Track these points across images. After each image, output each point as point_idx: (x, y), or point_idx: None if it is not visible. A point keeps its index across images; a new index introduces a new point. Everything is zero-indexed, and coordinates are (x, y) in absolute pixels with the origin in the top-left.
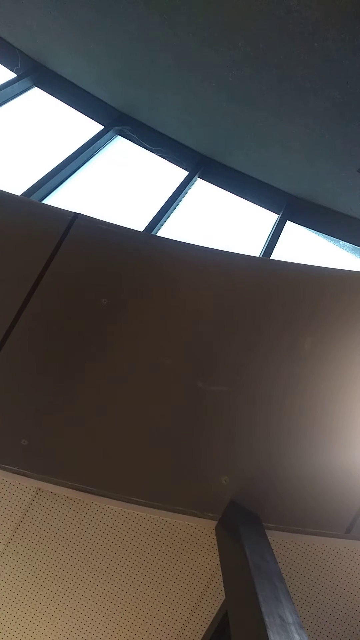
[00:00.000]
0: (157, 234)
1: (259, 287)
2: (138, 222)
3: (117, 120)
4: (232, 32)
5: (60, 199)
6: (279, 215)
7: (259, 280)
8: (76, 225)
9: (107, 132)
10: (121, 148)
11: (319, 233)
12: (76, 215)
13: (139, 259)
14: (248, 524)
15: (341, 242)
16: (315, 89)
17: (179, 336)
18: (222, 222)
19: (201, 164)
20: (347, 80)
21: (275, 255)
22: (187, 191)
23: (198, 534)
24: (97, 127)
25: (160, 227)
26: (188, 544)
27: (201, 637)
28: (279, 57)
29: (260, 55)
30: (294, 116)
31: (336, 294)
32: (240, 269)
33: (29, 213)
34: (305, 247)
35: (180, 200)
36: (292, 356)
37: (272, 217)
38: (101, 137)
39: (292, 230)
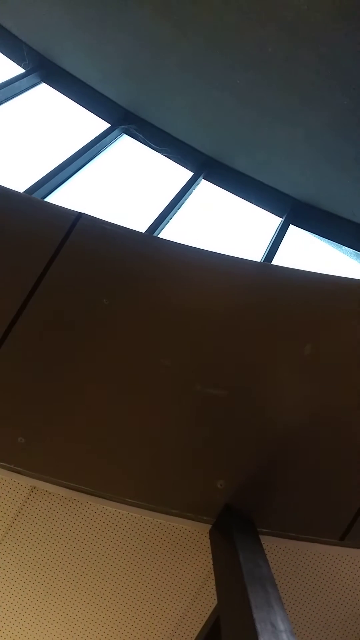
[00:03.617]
0: (161, 234)
1: (259, 292)
2: (142, 221)
3: (124, 119)
4: (240, 35)
5: (65, 195)
6: (283, 219)
7: (260, 285)
8: (80, 224)
9: (113, 130)
10: (127, 146)
11: (321, 238)
12: (80, 215)
13: (142, 261)
14: (242, 528)
15: (344, 247)
16: (321, 94)
17: (178, 339)
18: (226, 223)
19: (206, 165)
20: (354, 86)
21: (278, 259)
22: (192, 192)
23: (192, 537)
24: (103, 125)
25: (164, 226)
26: (182, 547)
27: None
28: (286, 61)
29: (268, 59)
30: (300, 120)
31: (336, 301)
32: (242, 273)
33: (33, 211)
34: (307, 251)
35: (185, 200)
36: (291, 362)
37: (275, 221)
38: (107, 135)
39: (295, 234)
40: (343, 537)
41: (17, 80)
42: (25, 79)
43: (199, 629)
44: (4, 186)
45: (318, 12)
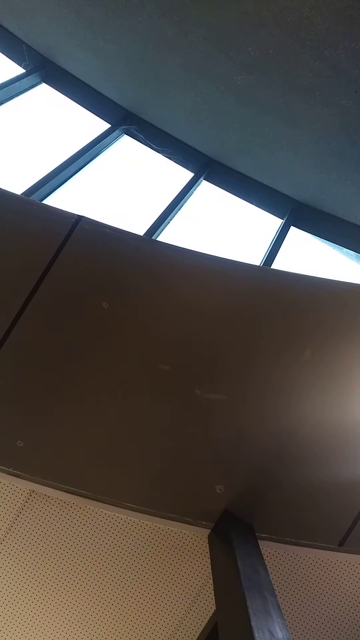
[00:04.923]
0: (161, 235)
1: (258, 296)
2: (143, 222)
3: (124, 119)
4: (243, 36)
5: (65, 196)
6: (283, 221)
7: (259, 290)
8: (79, 227)
9: (114, 130)
10: (127, 147)
11: (323, 240)
12: (80, 218)
13: (141, 265)
14: (241, 533)
15: (345, 249)
16: (324, 97)
17: (178, 342)
18: (227, 224)
19: (207, 166)
20: (356, 89)
21: (279, 260)
22: (192, 193)
23: (191, 542)
24: (103, 125)
25: (165, 227)
26: (180, 551)
27: None
28: (288, 64)
29: (270, 61)
30: (302, 122)
31: (337, 305)
32: (241, 277)
33: (31, 214)
34: (308, 253)
35: (185, 201)
36: (291, 367)
37: (276, 222)
38: (107, 135)
39: (296, 235)
40: (342, 543)
41: (17, 81)
42: (25, 79)
43: (197, 635)
44: (4, 189)
45: (320, 15)
